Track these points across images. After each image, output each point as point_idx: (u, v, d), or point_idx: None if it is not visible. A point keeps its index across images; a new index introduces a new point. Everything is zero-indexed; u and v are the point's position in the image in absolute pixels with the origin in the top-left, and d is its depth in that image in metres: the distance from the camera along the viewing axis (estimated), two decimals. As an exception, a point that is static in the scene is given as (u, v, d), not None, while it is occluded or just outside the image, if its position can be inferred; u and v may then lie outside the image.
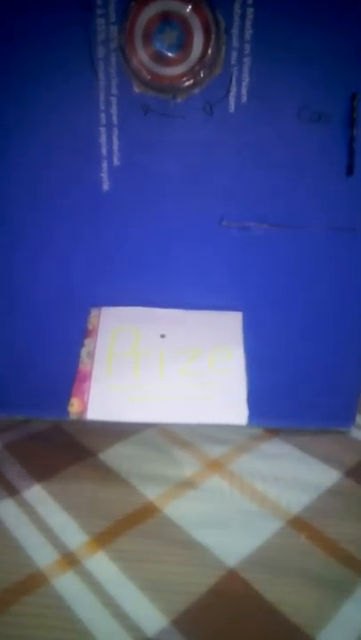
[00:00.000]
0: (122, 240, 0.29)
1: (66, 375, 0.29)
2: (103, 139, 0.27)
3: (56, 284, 0.30)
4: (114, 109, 0.26)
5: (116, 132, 0.26)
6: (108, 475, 0.29)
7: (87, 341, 0.30)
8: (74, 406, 0.28)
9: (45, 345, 0.31)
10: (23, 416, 0.34)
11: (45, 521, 0.25)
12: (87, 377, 0.29)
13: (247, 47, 0.25)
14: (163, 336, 0.30)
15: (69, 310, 0.30)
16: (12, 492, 0.27)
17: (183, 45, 0.25)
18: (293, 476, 0.29)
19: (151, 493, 0.27)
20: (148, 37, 0.25)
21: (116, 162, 0.27)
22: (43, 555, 0.24)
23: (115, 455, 0.30)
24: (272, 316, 0.31)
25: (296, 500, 0.27)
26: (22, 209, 0.29)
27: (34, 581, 0.22)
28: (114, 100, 0.26)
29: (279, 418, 0.33)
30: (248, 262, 0.29)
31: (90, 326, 0.30)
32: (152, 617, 0.21)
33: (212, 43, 0.25)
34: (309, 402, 0.33)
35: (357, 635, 0.21)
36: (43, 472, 0.29)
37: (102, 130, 0.27)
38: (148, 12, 0.24)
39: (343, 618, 0.21)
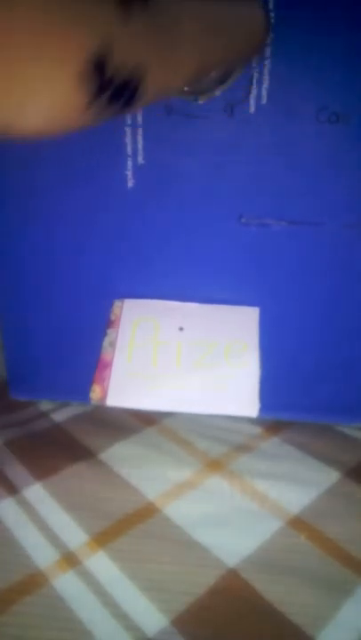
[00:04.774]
0: (144, 236, 0.30)
1: (91, 363, 0.30)
2: (129, 138, 0.27)
3: (81, 276, 0.31)
4: (139, 110, 0.27)
5: (140, 131, 0.27)
6: (108, 475, 0.29)
7: (110, 331, 0.31)
8: (95, 392, 0.29)
9: (74, 334, 0.33)
10: (51, 400, 0.36)
11: (45, 520, 0.25)
12: (108, 365, 0.30)
13: (267, 50, 0.25)
14: (181, 329, 0.31)
15: (95, 302, 0.32)
16: (13, 490, 0.27)
17: None
18: (293, 476, 0.29)
19: (151, 493, 0.27)
20: None
21: (140, 160, 0.28)
22: (43, 555, 0.24)
23: (115, 455, 0.30)
24: (289, 311, 0.31)
25: (296, 500, 0.27)
26: (54, 205, 0.30)
27: (34, 581, 0.22)
28: None
29: (293, 411, 0.33)
30: (266, 259, 0.30)
31: (113, 317, 0.31)
32: (152, 617, 0.21)
33: None
34: (323, 397, 0.33)
35: (357, 635, 0.21)
36: (43, 471, 0.29)
37: (128, 130, 0.27)
38: None
39: (343, 618, 0.21)
